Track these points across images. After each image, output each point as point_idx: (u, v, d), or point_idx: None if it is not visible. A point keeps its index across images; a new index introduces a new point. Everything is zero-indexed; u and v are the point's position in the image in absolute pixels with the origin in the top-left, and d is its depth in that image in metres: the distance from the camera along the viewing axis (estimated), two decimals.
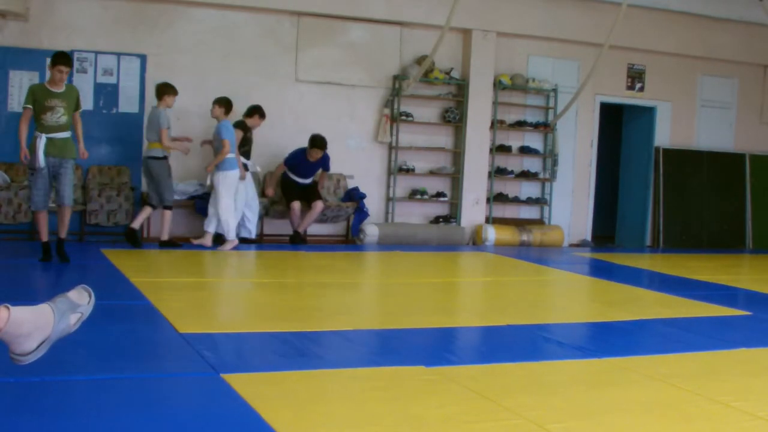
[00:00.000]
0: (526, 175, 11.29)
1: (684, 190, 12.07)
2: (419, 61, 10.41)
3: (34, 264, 7.06)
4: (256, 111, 9.48)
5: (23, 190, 8.62)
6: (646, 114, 12.17)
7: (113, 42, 9.32)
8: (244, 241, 9.27)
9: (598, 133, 11.87)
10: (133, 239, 8.52)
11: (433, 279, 7.62)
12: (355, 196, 10.25)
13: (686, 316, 5.83)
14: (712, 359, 4.52)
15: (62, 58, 7.01)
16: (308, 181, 9.92)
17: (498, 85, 10.94)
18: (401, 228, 10.39)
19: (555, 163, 11.36)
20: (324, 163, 9.93)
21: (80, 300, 2.51)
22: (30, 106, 7.07)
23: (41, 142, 6.94)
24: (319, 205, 9.74)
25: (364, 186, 10.43)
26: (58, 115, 7.03)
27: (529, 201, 11.41)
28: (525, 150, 11.35)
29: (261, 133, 10.05)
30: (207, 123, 9.85)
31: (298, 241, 9.75)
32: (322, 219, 10.11)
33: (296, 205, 9.69)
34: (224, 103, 8.94)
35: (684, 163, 12.11)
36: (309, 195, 9.86)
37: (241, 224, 9.37)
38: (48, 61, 7.31)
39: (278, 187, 9.95)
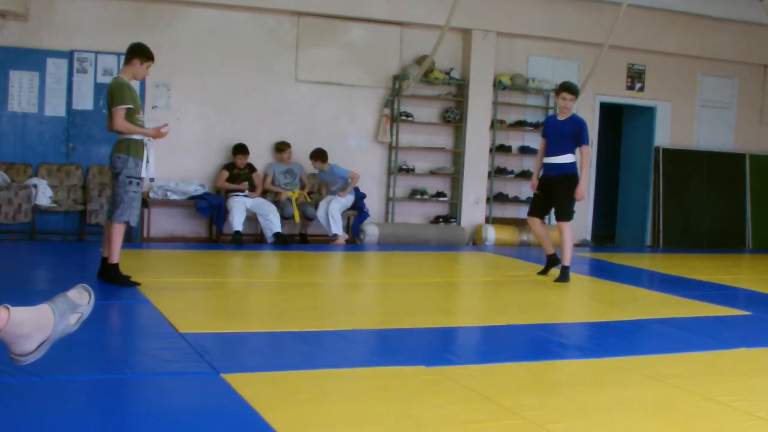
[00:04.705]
0: (526, 175, 11.27)
1: (684, 190, 12.07)
2: (419, 61, 10.41)
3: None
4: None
5: (23, 190, 8.61)
6: (646, 114, 12.17)
7: (113, 42, 9.31)
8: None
9: (598, 133, 11.87)
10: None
11: (433, 279, 7.62)
12: (355, 196, 10.25)
13: (686, 316, 5.82)
14: (712, 359, 4.52)
15: (152, 57, 5.99)
16: (558, 161, 7.35)
17: (498, 85, 10.93)
18: (401, 228, 10.39)
19: None
20: (576, 126, 7.24)
21: (80, 300, 2.51)
22: (130, 105, 5.81)
23: (149, 147, 5.90)
24: (565, 229, 7.32)
25: (364, 186, 10.43)
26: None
27: (529, 201, 11.38)
28: (525, 150, 11.34)
29: (260, 135, 10.06)
30: (206, 123, 9.86)
31: (554, 266, 7.66)
32: None
33: (537, 224, 7.65)
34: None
35: (684, 163, 12.11)
36: (552, 199, 7.47)
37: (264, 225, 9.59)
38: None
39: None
